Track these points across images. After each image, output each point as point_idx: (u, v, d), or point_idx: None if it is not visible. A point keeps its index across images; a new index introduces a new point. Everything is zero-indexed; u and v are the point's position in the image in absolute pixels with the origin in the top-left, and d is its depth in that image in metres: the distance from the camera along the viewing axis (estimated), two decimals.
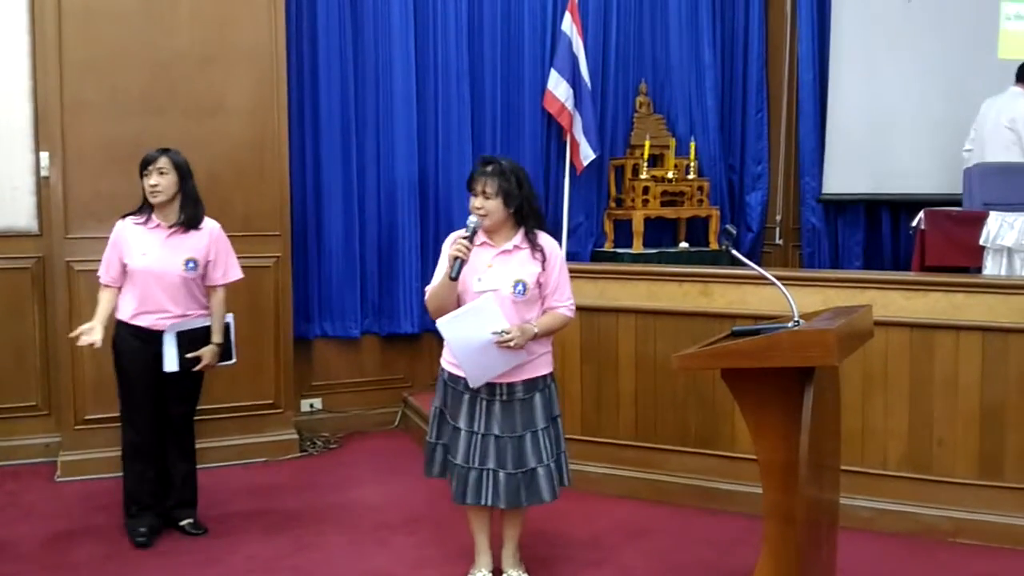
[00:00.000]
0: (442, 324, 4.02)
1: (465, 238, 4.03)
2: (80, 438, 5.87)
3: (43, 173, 6.02)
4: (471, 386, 4.12)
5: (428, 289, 4.17)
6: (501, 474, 4.13)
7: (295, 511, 5.36)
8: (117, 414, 4.92)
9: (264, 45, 6.18)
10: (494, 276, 4.10)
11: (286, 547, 4.85)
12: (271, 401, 6.30)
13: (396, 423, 7.16)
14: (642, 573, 4.57)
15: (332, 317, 7.05)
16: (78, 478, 5.79)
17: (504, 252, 4.16)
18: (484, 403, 4.16)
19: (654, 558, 4.74)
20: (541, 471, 4.18)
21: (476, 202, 4.12)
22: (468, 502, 4.20)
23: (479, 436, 4.15)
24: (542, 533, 4.91)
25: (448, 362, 4.24)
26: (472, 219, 4.09)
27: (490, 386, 4.13)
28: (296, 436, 6.46)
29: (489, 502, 4.16)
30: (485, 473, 4.14)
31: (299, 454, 6.41)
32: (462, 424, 4.17)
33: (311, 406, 7.03)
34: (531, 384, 4.19)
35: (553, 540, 4.90)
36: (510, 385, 4.16)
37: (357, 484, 5.85)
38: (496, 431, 4.14)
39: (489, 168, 4.15)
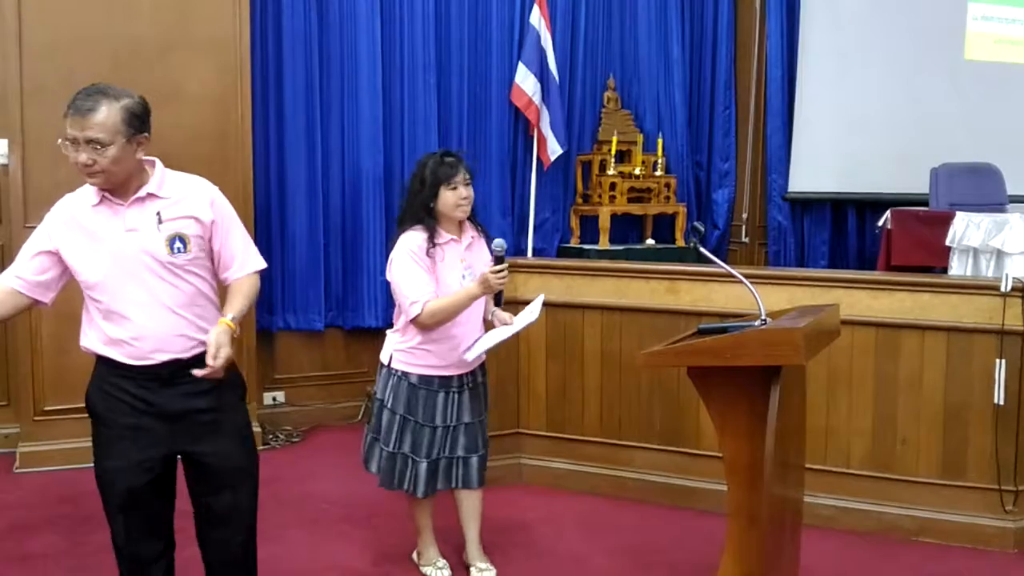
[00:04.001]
0: (492, 339, 4.16)
1: (500, 269, 3.96)
2: (39, 429, 5.79)
3: (1, 160, 5.93)
4: (471, 360, 4.18)
5: (432, 306, 4.02)
6: (474, 458, 4.29)
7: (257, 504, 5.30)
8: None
9: (228, 33, 6.10)
10: (475, 272, 4.13)
11: None
12: None
13: (359, 417, 7.11)
14: (606, 570, 4.56)
15: (296, 310, 6.99)
16: (37, 469, 5.71)
17: (467, 247, 4.23)
18: (455, 395, 4.23)
19: (618, 555, 4.73)
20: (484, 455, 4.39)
21: (463, 192, 4.13)
22: (439, 489, 4.28)
23: (451, 428, 4.22)
24: (504, 529, 4.89)
25: (415, 364, 4.19)
26: (499, 243, 4.04)
27: (460, 377, 4.22)
28: (259, 429, 6.39)
29: (461, 484, 4.28)
30: (455, 461, 4.27)
31: (262, 447, 6.33)
32: (438, 422, 4.20)
33: (274, 399, 6.97)
34: (482, 369, 4.38)
35: (515, 536, 4.88)
36: (472, 373, 4.29)
37: (319, 478, 5.81)
38: (467, 419, 4.26)
39: (460, 158, 4.20)
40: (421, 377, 4.18)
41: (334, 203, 7.08)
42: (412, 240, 4.11)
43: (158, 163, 3.28)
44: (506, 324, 4.23)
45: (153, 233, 3.16)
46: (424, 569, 4.46)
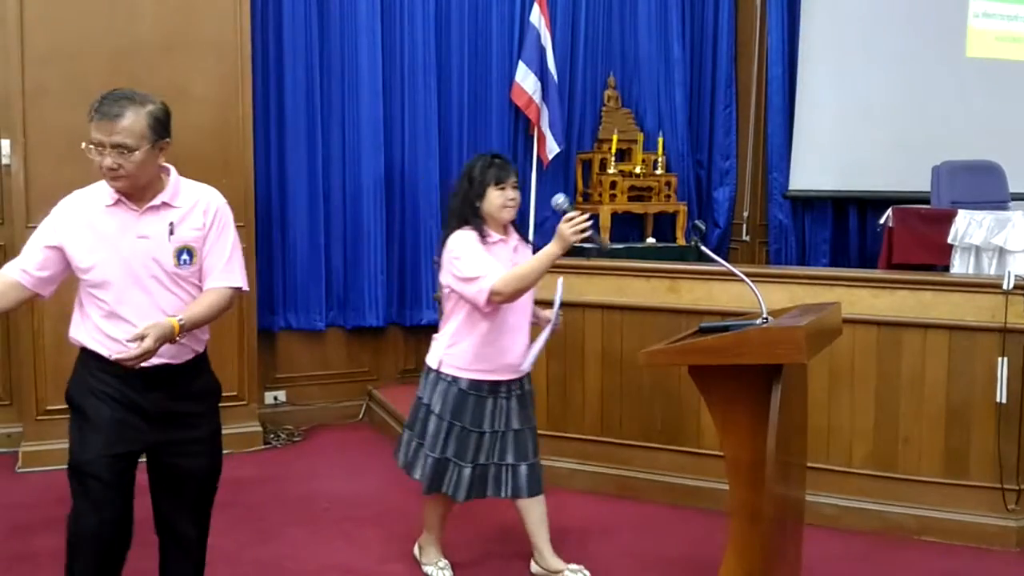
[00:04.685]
0: (540, 342, 4.15)
1: (572, 217, 3.88)
2: (42, 428, 5.77)
3: (4, 161, 5.93)
4: (526, 369, 4.18)
5: (506, 275, 3.90)
6: (523, 467, 4.21)
7: (258, 503, 5.31)
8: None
9: (229, 34, 6.10)
10: None
11: (248, 540, 4.81)
12: (235, 393, 6.23)
13: (360, 416, 7.13)
14: (608, 569, 4.55)
15: (297, 309, 6.99)
16: (39, 469, 5.69)
17: (514, 249, 4.20)
18: (504, 401, 4.18)
19: (620, 554, 4.73)
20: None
21: (510, 193, 4.12)
22: (485, 496, 4.23)
23: (499, 434, 4.17)
24: (505, 529, 4.88)
25: (466, 369, 4.14)
26: (560, 197, 4.05)
27: (508, 383, 4.18)
28: (260, 428, 6.41)
29: (511, 494, 4.22)
30: (504, 469, 4.20)
31: (263, 446, 6.36)
32: (486, 427, 4.15)
33: (275, 398, 6.97)
34: (528, 376, 4.30)
35: (515, 536, 4.87)
36: (519, 380, 4.24)
37: (321, 477, 5.81)
38: (515, 425, 4.21)
39: (508, 161, 4.20)
40: (471, 382, 4.12)
41: (335, 203, 7.07)
42: (465, 235, 4.07)
43: (172, 170, 3.32)
44: (548, 319, 4.19)
45: (164, 243, 3.21)
46: (426, 568, 4.45)
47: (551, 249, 3.88)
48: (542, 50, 7.58)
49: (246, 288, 3.47)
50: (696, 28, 8.67)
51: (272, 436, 6.56)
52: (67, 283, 3.34)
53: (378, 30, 7.09)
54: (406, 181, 7.29)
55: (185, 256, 3.24)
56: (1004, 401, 4.79)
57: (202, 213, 3.31)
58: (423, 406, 4.21)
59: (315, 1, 6.92)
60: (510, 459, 4.19)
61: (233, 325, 6.18)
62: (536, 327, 4.29)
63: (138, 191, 3.20)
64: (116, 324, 3.17)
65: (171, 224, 3.23)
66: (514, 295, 3.94)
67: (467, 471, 4.13)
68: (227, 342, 6.17)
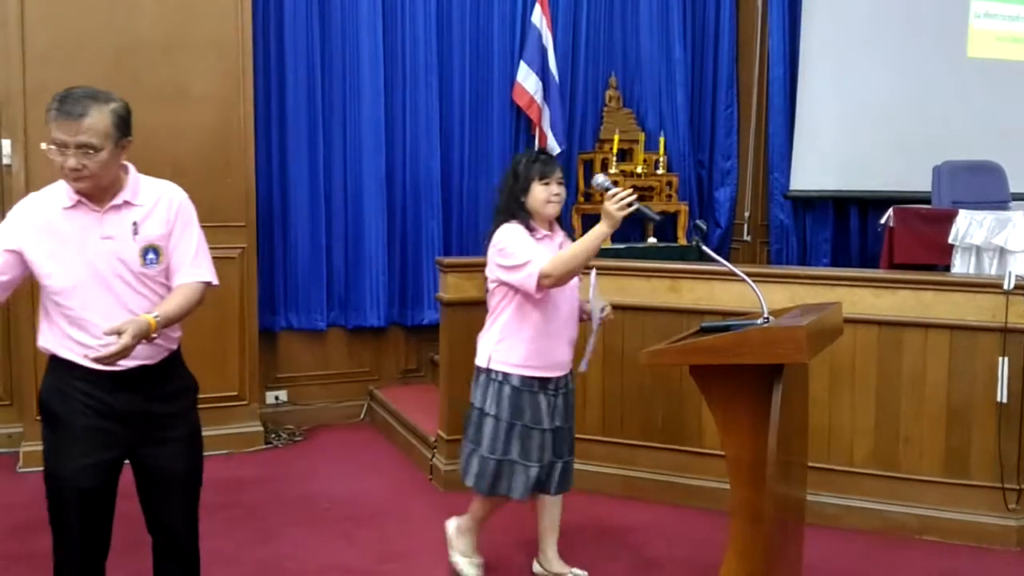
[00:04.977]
0: (591, 340, 4.12)
1: (614, 193, 3.80)
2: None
3: (4, 161, 5.93)
4: (582, 370, 4.17)
5: (557, 259, 3.87)
6: (559, 464, 4.21)
7: (259, 504, 5.31)
8: None
9: (230, 33, 6.10)
10: None
11: (249, 540, 4.81)
12: (236, 393, 6.24)
13: (362, 416, 7.13)
14: (608, 569, 4.55)
15: (298, 309, 6.99)
16: (40, 469, 5.66)
17: (560, 245, 4.14)
18: (553, 398, 4.13)
19: (621, 553, 4.74)
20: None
21: (555, 188, 4.09)
22: (540, 492, 4.25)
23: (552, 432, 4.13)
24: (505, 529, 4.88)
25: (515, 365, 4.08)
26: (599, 177, 4.10)
27: (555, 380, 4.13)
28: (261, 428, 6.42)
29: (563, 489, 4.28)
30: (564, 464, 4.22)
31: (264, 446, 6.36)
32: (546, 424, 4.10)
33: (276, 398, 6.97)
34: (571, 373, 4.25)
35: (516, 536, 4.87)
36: (564, 377, 4.20)
37: (322, 477, 5.81)
38: (558, 422, 4.16)
39: (554, 157, 4.19)
40: (523, 379, 4.06)
41: (336, 203, 7.07)
42: (511, 227, 4.05)
43: (131, 168, 3.22)
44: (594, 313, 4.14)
45: (128, 243, 3.12)
46: (456, 558, 4.39)
47: (600, 228, 3.80)
48: (543, 50, 7.57)
49: (216, 282, 3.35)
50: (697, 28, 8.65)
51: (273, 436, 6.56)
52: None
53: (379, 30, 7.08)
54: (407, 181, 7.29)
55: (151, 255, 3.15)
56: (1005, 401, 4.79)
57: (165, 209, 3.21)
58: (475, 410, 4.15)
59: (316, 0, 6.92)
60: (566, 455, 4.21)
61: (234, 325, 6.20)
62: (584, 325, 4.25)
63: (100, 191, 3.09)
64: (83, 329, 3.10)
65: (135, 223, 3.13)
66: (564, 277, 3.89)
67: (534, 471, 4.07)
68: (228, 342, 6.18)
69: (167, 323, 3.08)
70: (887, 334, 5.00)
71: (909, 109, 8.21)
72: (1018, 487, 4.86)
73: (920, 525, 4.97)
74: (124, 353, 2.90)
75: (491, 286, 4.14)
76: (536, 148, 4.34)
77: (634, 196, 3.80)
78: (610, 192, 3.81)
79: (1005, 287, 4.76)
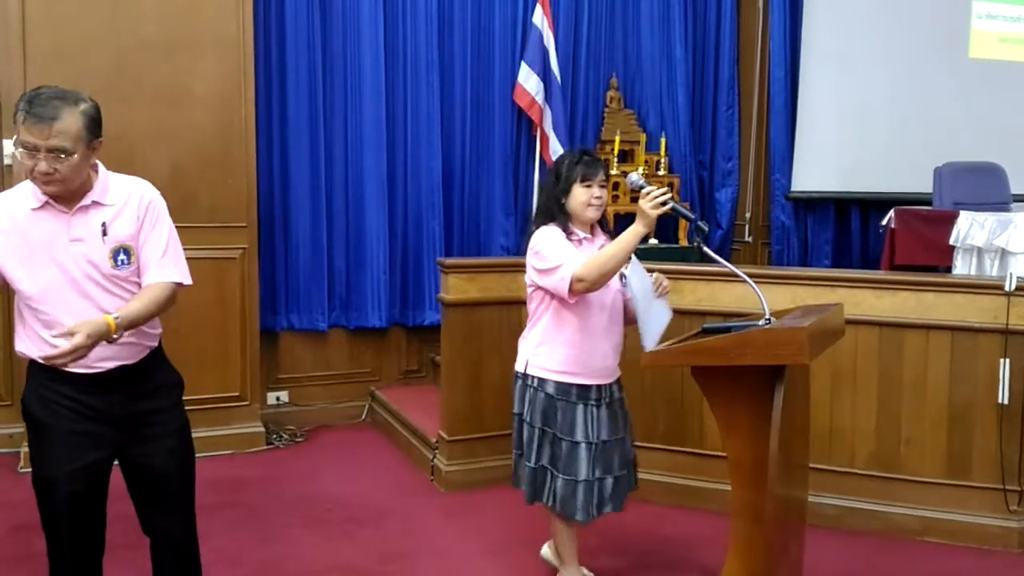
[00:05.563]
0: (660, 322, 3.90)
1: (649, 191, 3.75)
2: None
3: (5, 161, 5.93)
4: (649, 347, 3.69)
5: (591, 261, 3.77)
6: (608, 480, 4.04)
7: (261, 504, 5.31)
8: None
9: (231, 33, 6.11)
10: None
11: (251, 540, 4.81)
12: (237, 393, 6.24)
13: (363, 416, 7.13)
14: (609, 570, 4.55)
15: (299, 310, 6.99)
16: None
17: (600, 249, 4.01)
18: (594, 409, 3.99)
19: (621, 554, 4.73)
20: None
21: (596, 191, 3.99)
22: (607, 511, 4.05)
23: (598, 445, 3.98)
24: (506, 529, 4.88)
25: (552, 370, 3.99)
26: (633, 176, 3.97)
27: (598, 388, 4.01)
28: (262, 429, 6.42)
29: (620, 508, 4.11)
30: (620, 480, 4.07)
31: (265, 447, 6.36)
32: (579, 436, 3.95)
33: (277, 399, 6.97)
34: (619, 383, 4.15)
35: (517, 536, 4.87)
36: (609, 386, 4.07)
37: (323, 478, 5.81)
38: (604, 436, 4.01)
39: (599, 159, 4.08)
40: (558, 386, 3.96)
41: (337, 203, 7.08)
42: (549, 230, 3.96)
43: (100, 167, 3.14)
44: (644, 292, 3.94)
45: (98, 245, 3.05)
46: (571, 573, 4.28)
47: (635, 228, 3.73)
48: (545, 51, 7.57)
49: (187, 282, 3.25)
50: (698, 29, 8.65)
51: (274, 437, 6.56)
52: None
53: (381, 30, 7.09)
54: (409, 181, 7.29)
55: (122, 256, 3.07)
56: (1006, 402, 4.79)
57: (135, 207, 3.12)
58: (515, 417, 4.09)
59: (318, 0, 6.92)
60: (616, 470, 4.05)
61: (235, 326, 6.20)
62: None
63: (69, 193, 3.00)
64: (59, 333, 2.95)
65: (103, 224, 3.06)
66: (598, 280, 3.78)
67: (559, 482, 3.96)
68: (229, 343, 6.18)
69: (129, 324, 2.99)
70: (888, 335, 5.00)
71: (910, 110, 8.20)
72: (1019, 489, 4.85)
73: (921, 527, 4.97)
74: (77, 354, 2.83)
75: (529, 290, 4.07)
76: (580, 147, 4.24)
77: (669, 195, 3.75)
78: (644, 190, 3.77)
79: (1006, 288, 4.76)
